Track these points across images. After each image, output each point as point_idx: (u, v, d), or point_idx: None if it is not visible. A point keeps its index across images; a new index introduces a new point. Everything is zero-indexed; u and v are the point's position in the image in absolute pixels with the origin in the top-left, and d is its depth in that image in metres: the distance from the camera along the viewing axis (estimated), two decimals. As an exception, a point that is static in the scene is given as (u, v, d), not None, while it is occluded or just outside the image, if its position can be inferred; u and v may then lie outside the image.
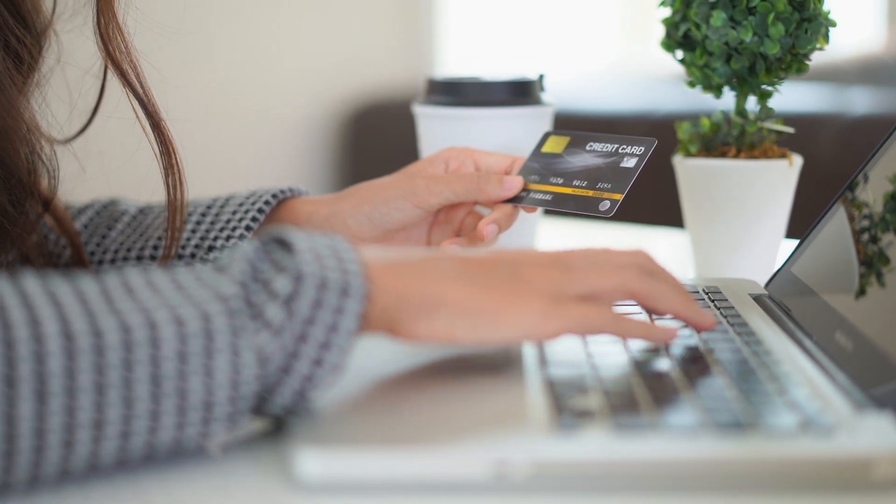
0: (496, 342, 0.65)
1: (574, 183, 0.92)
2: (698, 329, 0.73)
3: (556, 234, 1.30)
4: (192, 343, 0.56)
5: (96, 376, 0.54)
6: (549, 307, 0.65)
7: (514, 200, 0.93)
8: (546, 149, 0.96)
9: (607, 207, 0.88)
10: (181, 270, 0.60)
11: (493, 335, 0.64)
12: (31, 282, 0.56)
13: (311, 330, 0.59)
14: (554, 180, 0.93)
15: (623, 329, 0.68)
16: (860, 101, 2.13)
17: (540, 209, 0.96)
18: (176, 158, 0.87)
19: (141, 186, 0.93)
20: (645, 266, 0.70)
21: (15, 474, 0.54)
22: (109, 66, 0.84)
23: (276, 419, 0.62)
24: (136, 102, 0.85)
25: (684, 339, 0.73)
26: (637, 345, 0.72)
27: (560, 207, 0.91)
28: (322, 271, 0.59)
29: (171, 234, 0.89)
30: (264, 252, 0.61)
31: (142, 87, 0.85)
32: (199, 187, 0.99)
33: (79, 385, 0.54)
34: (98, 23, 0.83)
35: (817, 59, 0.98)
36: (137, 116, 0.86)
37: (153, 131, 0.86)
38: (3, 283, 0.56)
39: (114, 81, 0.86)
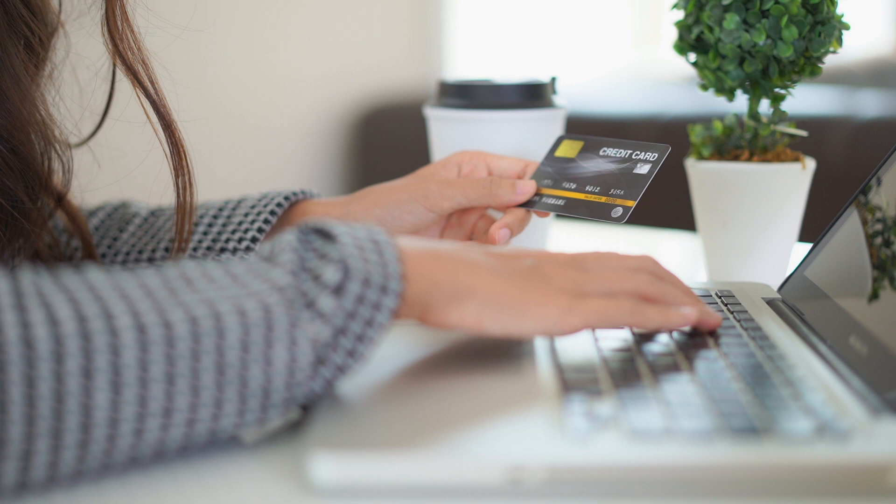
0: (520, 334, 0.67)
1: (587, 188, 0.91)
2: (708, 328, 0.75)
3: (568, 238, 1.30)
4: (254, 332, 0.58)
5: (167, 366, 0.56)
6: (570, 302, 0.68)
7: (527, 205, 0.93)
8: (559, 153, 0.96)
9: (619, 214, 0.88)
10: (232, 262, 0.62)
11: (518, 327, 0.67)
12: (96, 274, 0.58)
13: (352, 323, 0.61)
14: (567, 185, 0.92)
15: (642, 319, 0.71)
16: (870, 104, 2.12)
17: (552, 213, 0.96)
18: (186, 160, 0.87)
19: (151, 187, 0.93)
20: (654, 270, 0.74)
21: (87, 462, 0.56)
22: (120, 67, 0.85)
23: (300, 410, 0.64)
24: (148, 104, 0.85)
25: (697, 343, 0.73)
26: (651, 348, 0.72)
27: (572, 213, 0.91)
28: (366, 266, 0.61)
29: (179, 236, 0.89)
30: (306, 242, 0.63)
31: (154, 88, 0.85)
32: (210, 189, 0.99)
33: (151, 376, 0.56)
34: (108, 23, 0.83)
35: (827, 61, 0.98)
36: (149, 117, 0.86)
37: (164, 132, 0.86)
38: (71, 276, 0.57)
39: (124, 83, 0.86)
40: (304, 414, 0.64)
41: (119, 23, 0.84)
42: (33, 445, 0.54)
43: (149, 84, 0.85)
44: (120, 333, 0.55)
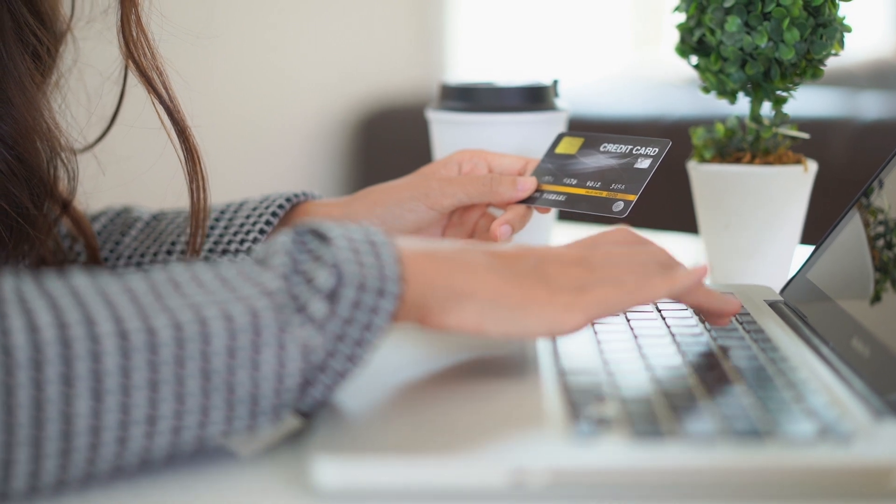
0: (521, 336, 0.66)
1: (588, 184, 0.91)
2: (725, 315, 0.74)
3: (569, 236, 1.29)
4: (241, 338, 0.57)
5: (150, 373, 0.55)
6: (571, 300, 0.66)
7: (528, 201, 0.93)
8: (560, 150, 0.96)
9: (621, 208, 0.88)
10: (224, 264, 0.61)
11: (519, 329, 0.65)
12: (81, 279, 0.57)
13: (349, 329, 0.60)
14: (567, 181, 0.92)
15: (647, 293, 0.69)
16: (871, 106, 2.12)
17: (554, 210, 0.96)
18: (201, 166, 0.87)
19: (158, 192, 0.93)
20: (664, 262, 0.71)
21: (70, 471, 0.55)
22: (135, 73, 0.85)
23: (301, 416, 0.63)
24: (162, 109, 0.85)
25: (700, 346, 0.73)
26: (654, 351, 0.71)
27: (573, 208, 0.91)
28: (361, 269, 0.60)
29: (193, 240, 0.89)
30: (301, 243, 0.62)
31: (168, 94, 0.85)
32: (213, 191, 0.99)
33: (133, 383, 0.55)
34: (123, 30, 0.83)
35: (828, 63, 0.98)
36: (163, 123, 0.86)
37: (179, 138, 0.86)
38: (55, 281, 0.57)
39: (133, 88, 0.86)
40: (305, 422, 0.64)
41: (133, 30, 0.83)
42: (13, 454, 0.53)
43: (163, 91, 0.85)
44: (101, 340, 0.55)
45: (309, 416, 0.63)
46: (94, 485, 0.56)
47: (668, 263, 0.72)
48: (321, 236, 0.62)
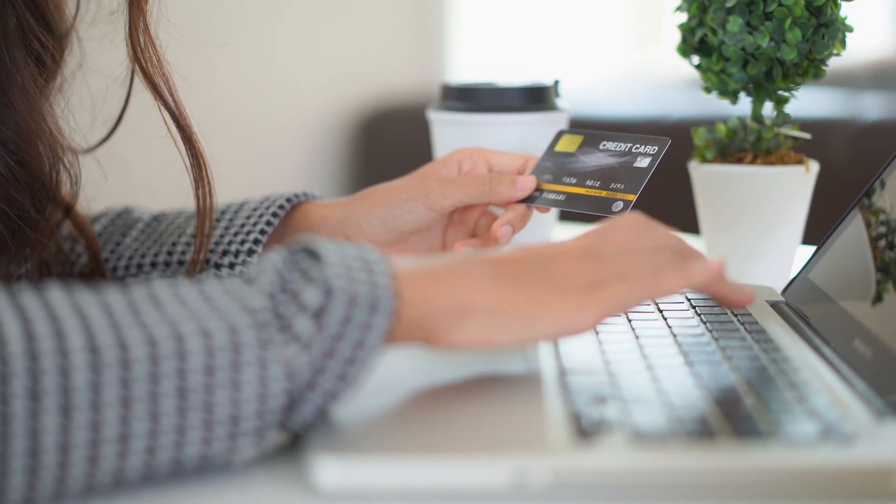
0: (533, 341, 0.65)
1: (587, 183, 0.91)
2: (739, 305, 0.73)
3: (570, 235, 1.29)
4: (219, 356, 0.55)
5: (122, 390, 0.54)
6: (581, 299, 0.65)
7: (528, 200, 0.93)
8: (559, 148, 0.96)
9: (620, 208, 0.88)
10: (209, 282, 0.59)
11: (530, 334, 0.64)
12: (56, 293, 0.56)
13: (339, 346, 0.58)
14: (567, 180, 0.92)
15: (660, 288, 0.67)
16: (872, 106, 2.12)
17: (554, 209, 0.96)
18: (207, 171, 0.87)
19: (162, 196, 0.93)
20: (677, 248, 0.70)
21: (39, 489, 0.53)
22: (141, 80, 0.84)
23: (293, 434, 0.61)
24: (168, 115, 0.85)
25: (701, 346, 0.73)
26: (655, 352, 0.71)
27: (573, 208, 0.90)
28: (352, 285, 0.58)
29: (199, 244, 0.89)
30: (293, 262, 0.60)
31: (174, 100, 0.85)
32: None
33: (104, 400, 0.53)
34: (130, 37, 0.83)
35: (830, 64, 0.98)
36: (169, 129, 0.86)
37: (185, 144, 0.86)
38: (27, 294, 0.55)
39: (137, 93, 0.86)
40: (298, 439, 0.61)
41: (141, 37, 0.83)
42: None
43: (169, 97, 0.85)
44: (70, 354, 0.53)
45: (299, 435, 0.61)
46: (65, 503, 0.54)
47: (681, 250, 0.70)
48: (314, 254, 0.60)
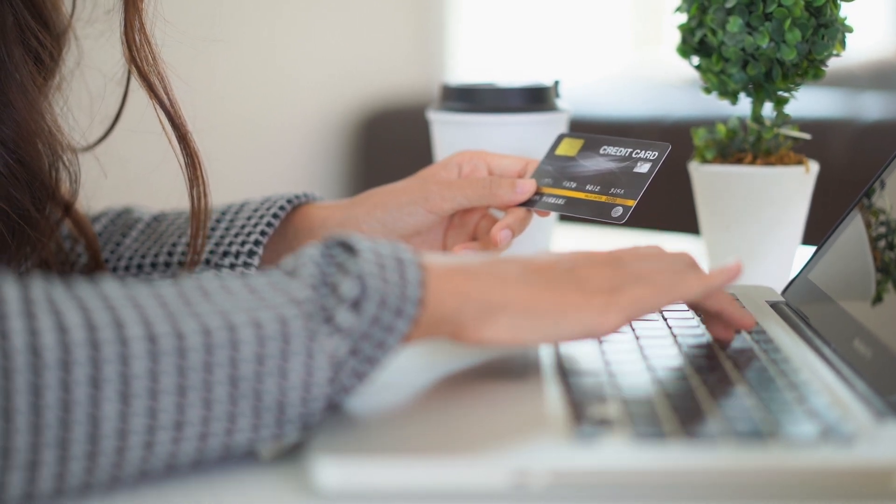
0: (560, 340, 0.67)
1: (587, 188, 0.91)
2: (742, 328, 0.74)
3: (570, 240, 1.30)
4: (270, 345, 0.57)
5: (178, 378, 0.55)
6: (606, 300, 0.66)
7: (528, 204, 0.93)
8: (560, 151, 0.96)
9: (620, 214, 0.88)
10: (253, 275, 0.61)
11: (556, 334, 0.66)
12: (110, 284, 0.57)
13: (364, 345, 0.60)
14: (567, 184, 0.92)
15: (682, 291, 0.70)
16: (872, 107, 2.12)
17: (554, 213, 0.96)
18: (201, 170, 0.87)
19: (160, 194, 0.93)
20: (691, 264, 0.72)
21: (96, 475, 0.55)
22: (137, 78, 0.84)
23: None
24: (163, 114, 0.85)
25: (702, 347, 0.73)
26: (656, 352, 0.71)
27: (572, 212, 0.90)
28: (384, 286, 0.60)
29: (193, 244, 0.89)
30: (329, 256, 0.61)
31: (169, 99, 0.85)
32: (213, 192, 0.99)
33: (161, 387, 0.55)
34: (126, 36, 0.83)
35: (830, 64, 0.98)
36: (164, 128, 0.86)
37: (179, 143, 0.86)
38: (83, 285, 0.56)
39: (135, 91, 0.86)
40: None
41: (137, 36, 0.83)
42: (40, 455, 0.53)
43: (164, 96, 0.85)
44: (130, 343, 0.54)
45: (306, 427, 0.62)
46: (120, 489, 0.56)
47: (695, 266, 0.72)
48: (349, 248, 0.62)
